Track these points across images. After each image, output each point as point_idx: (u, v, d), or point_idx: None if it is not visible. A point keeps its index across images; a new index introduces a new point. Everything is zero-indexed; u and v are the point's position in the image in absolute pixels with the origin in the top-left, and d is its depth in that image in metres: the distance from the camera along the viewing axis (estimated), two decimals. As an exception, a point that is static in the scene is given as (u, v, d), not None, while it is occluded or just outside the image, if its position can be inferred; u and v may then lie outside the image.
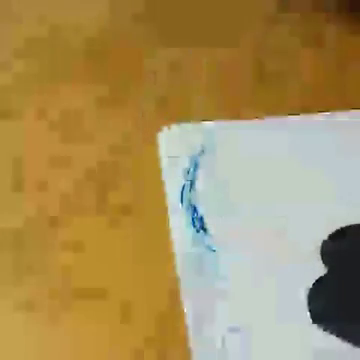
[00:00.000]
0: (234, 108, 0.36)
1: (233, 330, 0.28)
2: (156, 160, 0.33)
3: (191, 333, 0.29)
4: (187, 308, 0.29)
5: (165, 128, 0.35)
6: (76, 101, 0.36)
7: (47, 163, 0.33)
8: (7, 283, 0.29)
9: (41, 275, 0.29)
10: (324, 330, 0.28)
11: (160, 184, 0.32)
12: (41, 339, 0.28)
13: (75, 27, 0.40)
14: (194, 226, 0.31)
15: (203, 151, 0.34)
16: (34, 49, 0.39)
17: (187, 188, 0.32)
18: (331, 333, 0.28)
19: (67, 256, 0.30)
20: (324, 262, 0.29)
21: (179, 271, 0.30)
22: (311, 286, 0.28)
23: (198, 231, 0.31)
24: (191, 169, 0.33)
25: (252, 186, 0.33)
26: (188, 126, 0.35)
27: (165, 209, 0.31)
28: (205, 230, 0.31)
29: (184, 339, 0.28)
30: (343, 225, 0.31)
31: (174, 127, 0.35)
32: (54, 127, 0.35)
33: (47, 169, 0.33)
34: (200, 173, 0.33)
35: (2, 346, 0.27)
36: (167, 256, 0.30)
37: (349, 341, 0.27)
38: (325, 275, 0.29)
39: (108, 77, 0.38)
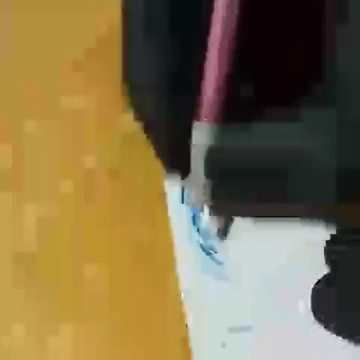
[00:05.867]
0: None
1: (233, 330, 0.28)
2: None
3: (191, 333, 0.29)
4: (188, 308, 0.29)
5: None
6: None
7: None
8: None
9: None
10: (325, 329, 0.28)
11: (161, 183, 0.32)
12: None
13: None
14: (195, 224, 0.31)
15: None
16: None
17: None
18: (332, 333, 0.27)
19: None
20: (327, 261, 0.29)
21: (179, 270, 0.30)
22: (313, 285, 0.28)
23: (199, 230, 0.31)
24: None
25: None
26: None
27: (166, 207, 0.31)
28: (206, 229, 0.31)
29: (184, 339, 0.29)
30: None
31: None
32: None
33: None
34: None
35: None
36: (167, 256, 0.30)
37: (350, 341, 0.27)
38: (327, 274, 0.28)
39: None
